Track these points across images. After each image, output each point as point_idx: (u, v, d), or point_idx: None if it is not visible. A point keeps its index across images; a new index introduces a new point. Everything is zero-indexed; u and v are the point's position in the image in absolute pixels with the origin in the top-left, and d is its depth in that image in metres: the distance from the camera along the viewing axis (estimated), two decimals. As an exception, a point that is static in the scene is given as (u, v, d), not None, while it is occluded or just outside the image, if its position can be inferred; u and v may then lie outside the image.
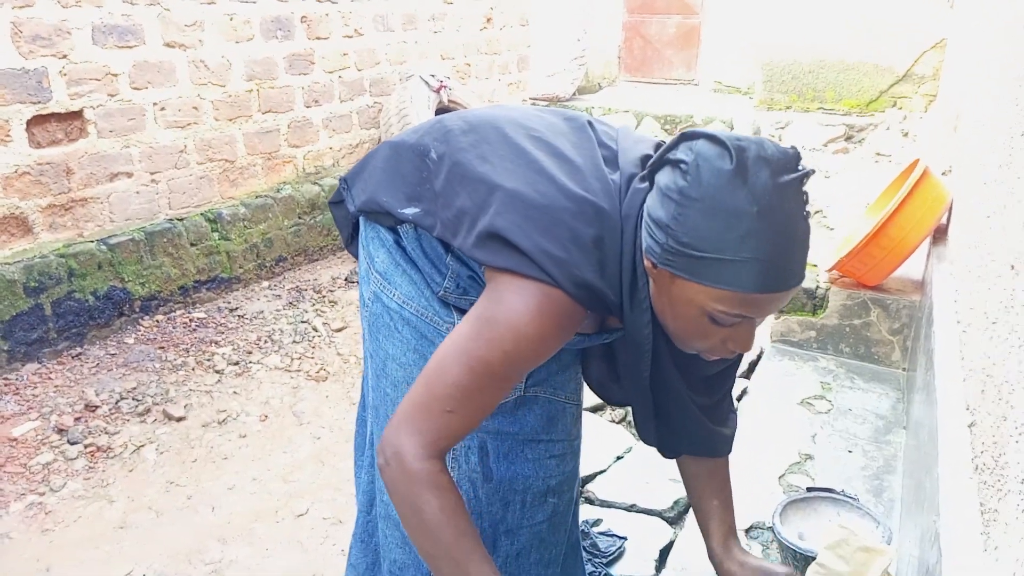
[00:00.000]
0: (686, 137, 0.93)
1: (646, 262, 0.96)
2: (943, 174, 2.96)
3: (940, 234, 2.58)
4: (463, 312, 1.20)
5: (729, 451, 1.30)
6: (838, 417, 2.39)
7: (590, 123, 1.14)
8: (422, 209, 1.10)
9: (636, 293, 0.99)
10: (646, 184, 1.00)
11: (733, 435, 1.30)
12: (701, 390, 1.19)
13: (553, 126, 1.11)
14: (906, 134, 5.24)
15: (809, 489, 1.79)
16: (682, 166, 0.90)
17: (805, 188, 0.91)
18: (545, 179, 1.01)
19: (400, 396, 1.21)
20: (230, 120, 3.75)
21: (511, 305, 0.96)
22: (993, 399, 1.22)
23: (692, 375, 1.16)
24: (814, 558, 1.45)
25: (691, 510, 2.01)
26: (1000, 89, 1.80)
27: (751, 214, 0.85)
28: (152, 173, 3.44)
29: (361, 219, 1.28)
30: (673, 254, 0.90)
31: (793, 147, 0.92)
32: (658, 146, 1.09)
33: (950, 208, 2.55)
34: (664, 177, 0.93)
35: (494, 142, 1.08)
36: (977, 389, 1.40)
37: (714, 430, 1.24)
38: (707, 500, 1.32)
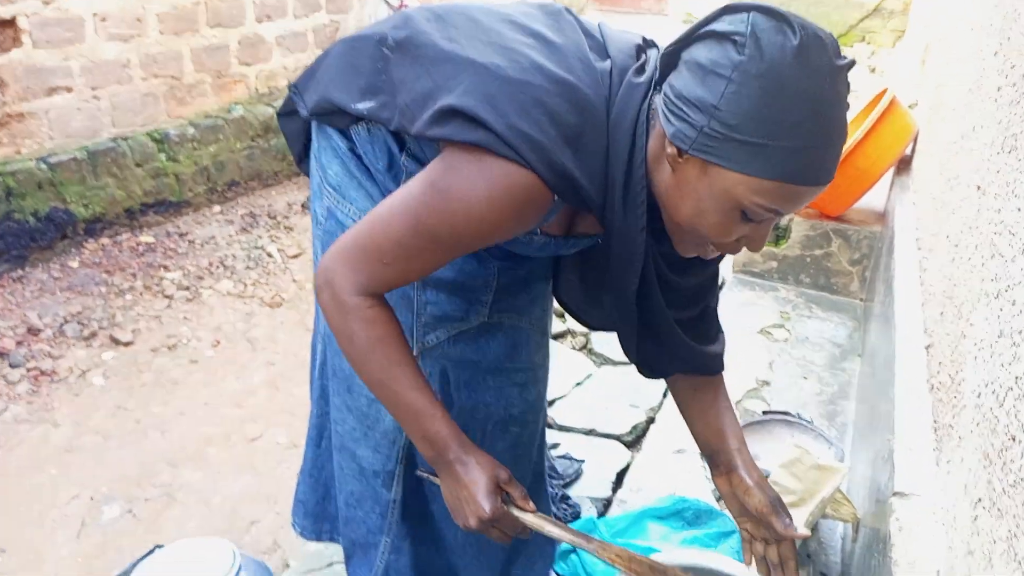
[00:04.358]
0: (731, 9, 0.82)
1: (669, 150, 0.84)
2: (909, 107, 2.94)
3: (904, 165, 2.57)
4: None
5: (721, 369, 1.20)
6: (796, 345, 2.41)
7: (569, 11, 1.04)
8: (378, 102, 1.00)
9: (630, 196, 0.90)
10: (643, 79, 0.90)
11: (722, 353, 1.21)
12: (681, 304, 1.11)
13: (529, 13, 1.01)
14: (873, 70, 5.21)
15: (765, 412, 1.80)
16: (736, 38, 0.79)
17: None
18: (522, 57, 0.90)
19: None
20: (176, 34, 3.54)
21: (469, 180, 0.87)
22: (952, 319, 1.22)
23: (672, 289, 1.07)
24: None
25: (649, 431, 2.02)
26: (973, 12, 1.76)
27: (811, 98, 0.77)
28: (93, 88, 3.24)
29: (313, 128, 1.19)
30: (714, 139, 0.79)
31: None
32: (645, 40, 1.00)
33: (915, 139, 2.54)
34: (705, 52, 0.81)
35: (462, 25, 0.98)
36: (936, 312, 1.40)
37: (698, 349, 1.15)
38: (708, 430, 1.18)
